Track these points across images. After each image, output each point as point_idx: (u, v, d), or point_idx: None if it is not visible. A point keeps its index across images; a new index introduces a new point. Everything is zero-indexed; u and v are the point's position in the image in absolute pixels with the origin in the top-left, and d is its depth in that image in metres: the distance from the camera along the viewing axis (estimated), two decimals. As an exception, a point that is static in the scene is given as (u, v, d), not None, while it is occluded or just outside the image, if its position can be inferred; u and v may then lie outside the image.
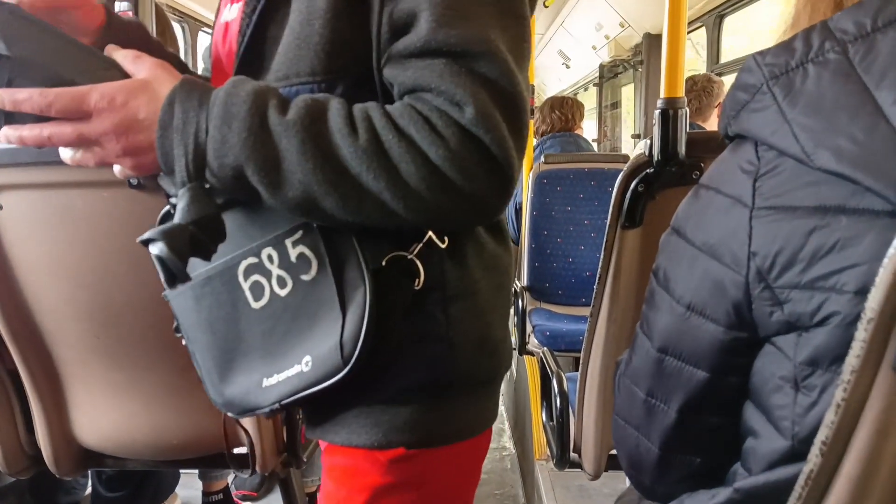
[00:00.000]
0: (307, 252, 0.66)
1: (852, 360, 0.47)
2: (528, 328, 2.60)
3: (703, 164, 1.10)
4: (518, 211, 3.05)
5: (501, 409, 3.53)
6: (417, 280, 0.68)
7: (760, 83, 0.59)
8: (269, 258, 0.67)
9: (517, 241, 3.11)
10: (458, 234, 0.71)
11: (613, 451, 1.34)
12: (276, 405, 0.69)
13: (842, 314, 0.54)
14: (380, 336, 0.66)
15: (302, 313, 0.67)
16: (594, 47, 5.79)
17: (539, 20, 5.58)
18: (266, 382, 0.70)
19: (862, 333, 0.47)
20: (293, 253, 0.66)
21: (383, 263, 0.67)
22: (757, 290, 0.59)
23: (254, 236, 0.68)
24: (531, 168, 2.78)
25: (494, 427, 3.04)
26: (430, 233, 0.68)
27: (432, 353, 0.71)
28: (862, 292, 0.48)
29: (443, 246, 0.69)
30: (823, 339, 0.56)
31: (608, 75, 6.03)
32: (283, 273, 0.67)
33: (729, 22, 3.61)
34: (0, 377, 1.29)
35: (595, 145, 5.88)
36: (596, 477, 1.37)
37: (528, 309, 2.68)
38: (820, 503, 0.51)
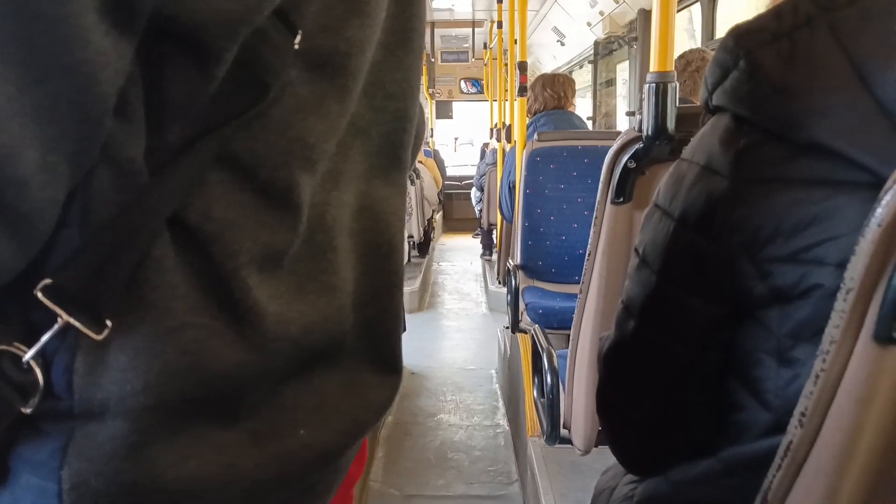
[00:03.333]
0: None
1: (832, 330, 0.47)
2: (522, 306, 2.60)
3: (692, 139, 1.10)
4: (511, 189, 3.04)
5: (495, 386, 3.55)
6: (30, 400, 0.40)
7: (741, 56, 0.59)
8: None
9: (511, 220, 3.10)
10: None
11: (603, 426, 1.35)
12: None
13: (824, 286, 0.54)
14: None
15: None
16: (589, 24, 5.74)
17: (533, -4, 5.54)
18: None
19: (841, 304, 0.47)
20: None
21: None
22: (739, 265, 0.59)
23: None
24: (524, 146, 2.77)
25: (489, 404, 3.06)
26: (66, 314, 0.38)
27: None
28: (843, 264, 0.48)
29: (98, 337, 0.39)
30: (806, 312, 0.55)
31: (603, 52, 5.99)
32: None
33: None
34: None
35: (590, 123, 5.86)
36: (586, 452, 1.38)
37: (521, 287, 2.68)
38: (799, 473, 0.52)
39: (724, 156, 0.59)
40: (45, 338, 0.39)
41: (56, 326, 0.39)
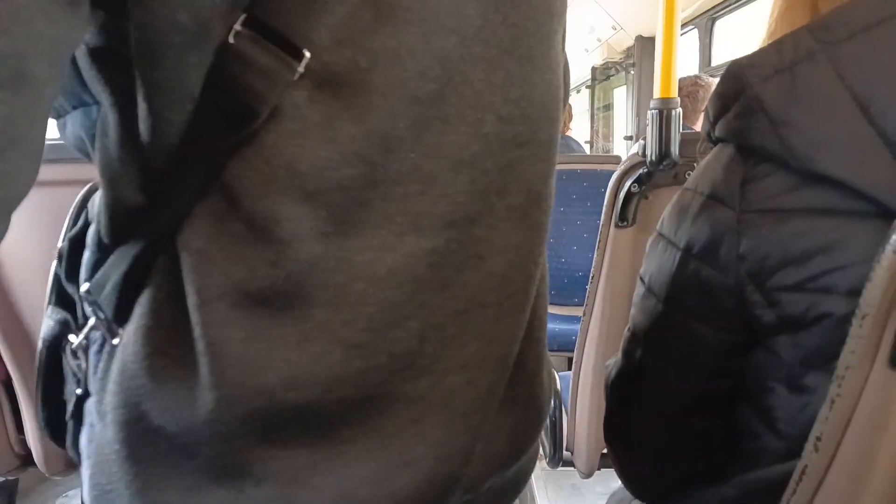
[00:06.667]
0: None
1: (847, 355, 0.48)
2: (521, 328, 2.59)
3: (696, 164, 1.11)
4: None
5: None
6: (80, 385, 0.50)
7: (743, 88, 0.59)
8: None
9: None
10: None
11: (606, 450, 1.34)
12: None
13: (834, 314, 0.54)
14: None
15: None
16: (586, 50, 5.80)
17: (531, 22, 5.58)
18: None
19: (857, 329, 0.47)
20: None
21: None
22: (747, 294, 0.59)
23: None
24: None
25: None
26: (94, 316, 0.47)
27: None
28: (852, 292, 0.48)
29: (113, 341, 0.44)
30: (816, 340, 0.56)
31: (600, 77, 6.04)
32: None
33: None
34: (-10, 377, 1.28)
35: (587, 147, 5.89)
36: (589, 475, 1.38)
37: (521, 309, 2.67)
38: (814, 497, 0.52)
39: (729, 186, 0.60)
40: (87, 327, 0.47)
41: (91, 321, 0.46)
